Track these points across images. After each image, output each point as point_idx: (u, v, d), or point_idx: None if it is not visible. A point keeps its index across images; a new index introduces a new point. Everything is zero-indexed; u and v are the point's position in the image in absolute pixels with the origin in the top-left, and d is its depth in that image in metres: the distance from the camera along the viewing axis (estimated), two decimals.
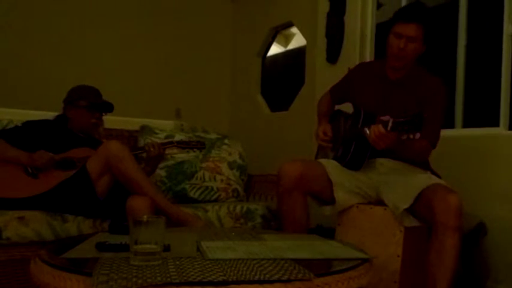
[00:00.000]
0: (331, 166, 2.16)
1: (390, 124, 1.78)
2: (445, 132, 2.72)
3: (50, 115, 2.50)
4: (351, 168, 2.15)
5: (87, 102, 2.41)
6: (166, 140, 2.64)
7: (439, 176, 2.08)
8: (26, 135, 2.32)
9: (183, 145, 2.50)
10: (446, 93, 2.09)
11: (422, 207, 1.88)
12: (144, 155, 2.42)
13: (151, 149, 2.39)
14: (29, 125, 2.40)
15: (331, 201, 2.13)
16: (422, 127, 1.68)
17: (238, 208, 2.56)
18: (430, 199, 1.83)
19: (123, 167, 2.17)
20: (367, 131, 1.90)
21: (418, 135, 1.72)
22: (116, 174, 2.20)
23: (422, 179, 1.96)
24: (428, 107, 1.98)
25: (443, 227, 1.77)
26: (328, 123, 2.35)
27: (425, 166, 2.11)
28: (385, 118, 1.82)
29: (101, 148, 2.24)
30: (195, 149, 2.55)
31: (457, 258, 1.80)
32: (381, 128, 1.83)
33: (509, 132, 2.47)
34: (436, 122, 2.02)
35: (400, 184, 1.99)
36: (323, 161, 2.21)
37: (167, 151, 2.49)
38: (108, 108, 2.47)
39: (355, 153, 2.11)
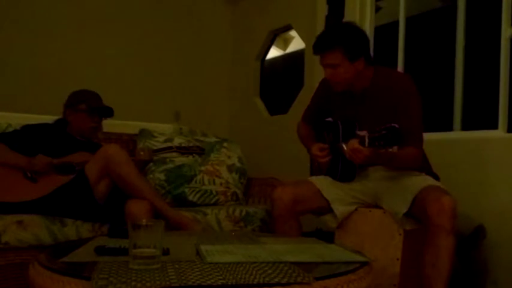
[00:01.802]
0: (323, 183, 2.15)
1: (367, 140, 1.78)
2: (443, 135, 2.74)
3: (49, 119, 2.50)
4: (345, 181, 2.15)
5: (87, 106, 2.41)
6: (165, 145, 2.64)
7: (437, 177, 2.07)
8: (24, 139, 2.32)
9: (182, 150, 2.51)
10: (416, 91, 2.02)
11: (418, 209, 1.88)
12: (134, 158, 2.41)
13: (141, 153, 2.39)
14: (27, 128, 2.40)
15: (330, 211, 2.14)
16: (401, 138, 1.68)
17: (237, 211, 2.56)
18: (424, 201, 1.83)
19: (122, 171, 2.17)
20: (344, 147, 1.89)
21: (395, 148, 1.73)
22: (115, 178, 2.20)
23: (417, 182, 1.95)
24: (403, 111, 1.96)
25: (437, 229, 1.77)
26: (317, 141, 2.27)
27: (419, 168, 2.09)
28: (362, 133, 1.82)
29: (99, 152, 2.23)
30: (194, 154, 2.56)
31: (452, 260, 1.79)
32: (355, 143, 1.82)
33: (508, 134, 2.47)
34: (415, 124, 1.98)
35: (397, 189, 1.99)
36: (314, 179, 2.20)
37: (167, 154, 2.49)
38: (108, 112, 2.47)
39: (344, 167, 2.11)
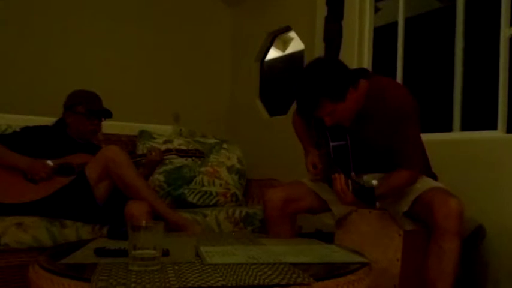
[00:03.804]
0: (321, 187, 2.13)
1: (350, 186, 1.78)
2: (443, 136, 2.74)
3: (49, 120, 2.50)
4: None
5: (86, 108, 2.40)
6: (165, 147, 2.64)
7: (435, 177, 2.06)
8: (24, 140, 2.32)
9: (181, 153, 2.51)
10: (413, 106, 1.91)
11: (422, 210, 1.87)
12: (144, 160, 2.42)
13: (153, 153, 2.40)
14: (27, 130, 2.40)
15: (325, 211, 2.14)
16: (375, 199, 1.70)
17: (237, 212, 2.56)
18: (430, 202, 1.81)
19: (122, 172, 2.17)
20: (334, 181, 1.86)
21: (377, 205, 1.76)
22: (115, 179, 2.20)
23: (419, 183, 1.94)
24: (397, 133, 1.90)
25: (443, 231, 1.75)
26: (314, 147, 2.18)
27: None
28: (351, 175, 1.82)
29: (99, 153, 2.24)
30: (193, 158, 2.55)
31: (457, 263, 1.78)
32: (342, 182, 1.80)
33: (507, 135, 2.47)
34: (410, 145, 1.92)
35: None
36: (308, 181, 2.17)
37: (166, 157, 2.50)
38: (107, 114, 2.47)
39: None
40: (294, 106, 3.81)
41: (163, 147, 2.61)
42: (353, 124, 2.00)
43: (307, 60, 3.73)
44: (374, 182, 1.72)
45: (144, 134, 2.96)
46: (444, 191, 1.88)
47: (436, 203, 1.79)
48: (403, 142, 1.91)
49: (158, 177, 2.76)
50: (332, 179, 1.86)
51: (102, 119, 2.48)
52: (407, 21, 3.09)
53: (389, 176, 1.90)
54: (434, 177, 2.07)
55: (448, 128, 2.83)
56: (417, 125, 1.94)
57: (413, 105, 1.93)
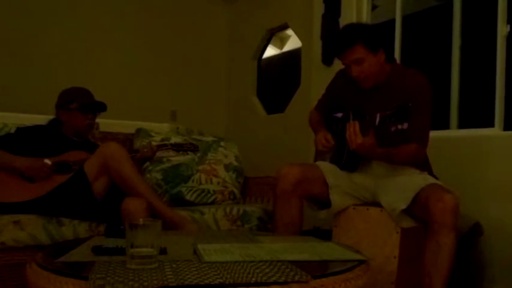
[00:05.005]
0: (328, 169, 2.16)
1: (378, 119, 1.82)
2: (440, 133, 2.75)
3: (45, 118, 2.49)
4: (348, 169, 2.16)
5: (79, 104, 2.39)
6: (161, 143, 2.64)
7: (436, 179, 2.08)
8: (19, 141, 2.30)
9: (176, 147, 2.51)
10: (430, 90, 2.03)
11: (418, 207, 1.88)
12: (137, 156, 2.43)
13: (145, 149, 2.40)
14: (21, 131, 2.38)
15: (328, 203, 2.13)
16: (409, 117, 1.73)
17: (234, 210, 2.56)
18: (426, 199, 1.83)
19: (120, 168, 2.17)
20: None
21: (405, 125, 1.76)
22: (112, 174, 2.19)
23: (419, 180, 1.96)
24: (413, 111, 1.93)
25: (439, 227, 1.78)
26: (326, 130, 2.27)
27: (422, 167, 2.11)
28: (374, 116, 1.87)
29: (99, 149, 2.24)
30: (189, 152, 2.56)
31: (452, 258, 1.80)
32: (356, 125, 1.87)
33: (504, 132, 2.48)
34: (423, 122, 2.00)
35: (397, 185, 2.00)
36: (320, 163, 2.20)
37: (163, 154, 2.50)
38: (101, 107, 2.45)
39: (350, 155, 2.11)
40: (291, 105, 3.81)
41: (160, 144, 2.61)
42: (372, 103, 2.06)
43: (304, 58, 3.73)
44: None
45: (141, 132, 2.96)
46: (440, 187, 1.90)
47: (432, 198, 1.81)
48: (417, 122, 1.94)
49: (156, 175, 2.76)
50: (346, 127, 1.93)
51: (97, 113, 2.47)
52: (405, 19, 3.10)
53: (398, 147, 1.97)
54: (436, 179, 2.07)
55: (446, 126, 2.83)
56: (430, 110, 2.03)
57: (430, 91, 2.03)
